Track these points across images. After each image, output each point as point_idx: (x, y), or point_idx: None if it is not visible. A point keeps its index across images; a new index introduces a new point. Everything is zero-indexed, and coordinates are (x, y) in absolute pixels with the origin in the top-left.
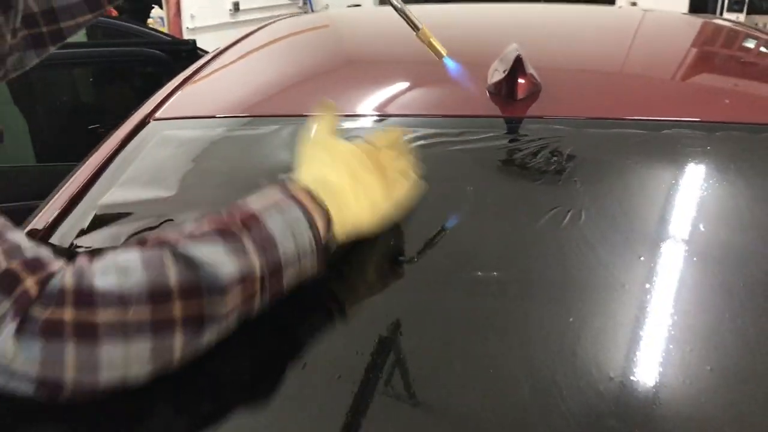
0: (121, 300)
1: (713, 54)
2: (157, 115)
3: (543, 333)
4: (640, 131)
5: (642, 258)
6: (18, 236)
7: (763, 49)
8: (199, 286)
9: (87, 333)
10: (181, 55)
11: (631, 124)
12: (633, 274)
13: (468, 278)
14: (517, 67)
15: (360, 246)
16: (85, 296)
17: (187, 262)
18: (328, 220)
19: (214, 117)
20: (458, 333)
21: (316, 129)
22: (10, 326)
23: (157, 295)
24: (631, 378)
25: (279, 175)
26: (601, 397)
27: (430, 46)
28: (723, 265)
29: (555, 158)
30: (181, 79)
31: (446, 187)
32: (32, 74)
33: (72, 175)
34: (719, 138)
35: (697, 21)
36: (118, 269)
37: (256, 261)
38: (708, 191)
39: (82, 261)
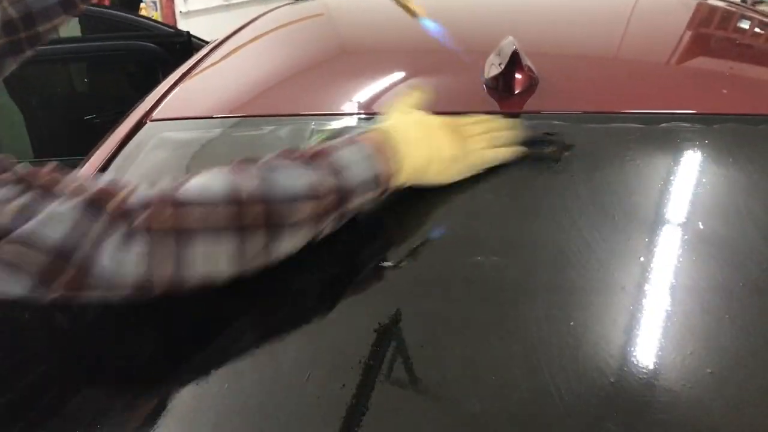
0: (207, 201)
1: (724, 39)
2: (154, 115)
3: (544, 333)
4: (644, 125)
5: (643, 258)
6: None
7: None
8: (274, 195)
9: (183, 230)
10: (175, 47)
11: (634, 118)
12: (634, 274)
13: (465, 279)
14: (515, 61)
15: (356, 248)
16: (175, 199)
17: (264, 175)
18: (392, 162)
19: (213, 117)
20: (453, 335)
21: (401, 102)
22: (115, 236)
23: (238, 199)
24: (629, 380)
25: None
26: (601, 400)
27: (405, 7)
28: (729, 265)
29: (554, 155)
30: (177, 76)
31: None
32: (27, 67)
33: None
34: (729, 130)
35: (704, 4)
36: (201, 181)
37: (329, 181)
38: (715, 188)
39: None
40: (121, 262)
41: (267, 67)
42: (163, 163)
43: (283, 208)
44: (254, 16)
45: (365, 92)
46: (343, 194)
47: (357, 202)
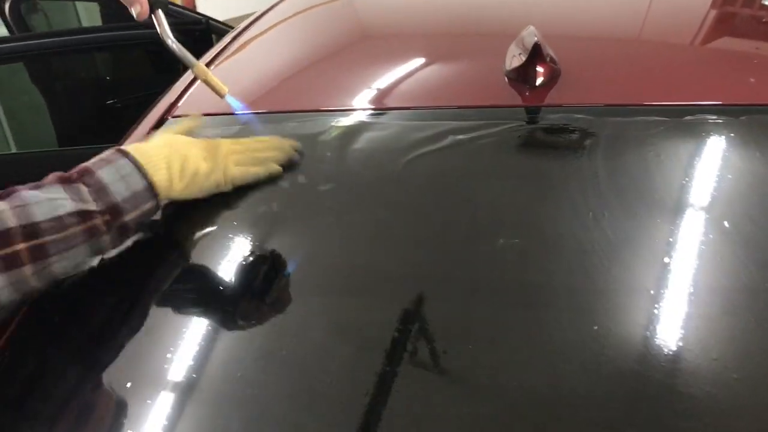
0: None
1: (756, 26)
2: (176, 111)
3: (568, 336)
4: (672, 118)
5: (668, 258)
6: None
7: None
8: (36, 223)
9: None
10: (194, 34)
11: (661, 111)
12: (658, 274)
13: (487, 280)
14: (536, 53)
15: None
16: None
17: (21, 209)
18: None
19: (236, 114)
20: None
21: (168, 128)
22: None
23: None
24: (651, 385)
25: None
26: (622, 405)
27: (207, 83)
28: (757, 265)
29: (577, 150)
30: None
31: (461, 187)
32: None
33: None
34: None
35: None
36: None
37: (92, 202)
38: (743, 184)
39: None
40: None
41: (291, 59)
42: None
43: (47, 234)
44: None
45: (396, 87)
46: (112, 211)
47: (134, 215)
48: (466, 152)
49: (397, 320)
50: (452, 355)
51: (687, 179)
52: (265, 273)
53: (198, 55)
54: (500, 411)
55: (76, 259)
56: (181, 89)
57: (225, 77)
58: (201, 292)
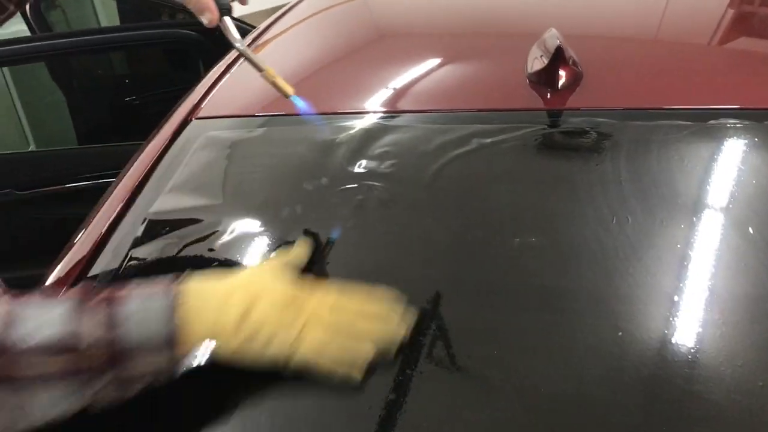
0: None
1: None
2: (199, 113)
3: (591, 341)
4: (695, 122)
5: (692, 265)
6: None
7: None
8: (7, 346)
9: None
10: (214, 33)
11: (684, 115)
12: (681, 281)
13: (510, 284)
14: (558, 56)
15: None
16: None
17: (6, 321)
18: (184, 325)
19: (260, 116)
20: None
21: (271, 260)
22: None
23: None
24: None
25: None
26: (646, 412)
27: (275, 86)
28: None
29: (600, 154)
30: (221, 69)
31: (483, 190)
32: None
33: (118, 183)
34: None
35: None
36: None
37: (91, 334)
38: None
39: None
40: None
41: (311, 61)
42: (210, 164)
43: (20, 361)
44: None
45: (418, 89)
46: (114, 352)
47: (141, 365)
48: (489, 155)
49: (421, 324)
50: (476, 360)
51: (711, 184)
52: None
53: (218, 55)
54: (522, 416)
55: (56, 401)
56: (204, 90)
57: (247, 79)
58: None
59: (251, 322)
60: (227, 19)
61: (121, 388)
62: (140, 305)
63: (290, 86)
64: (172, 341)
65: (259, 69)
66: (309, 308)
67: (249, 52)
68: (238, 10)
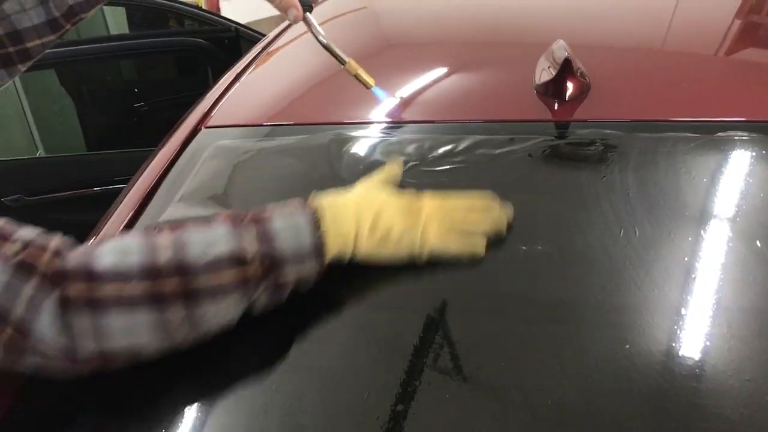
0: (120, 273)
1: None
2: (209, 122)
3: (599, 353)
4: (703, 135)
5: (700, 278)
6: (21, 229)
7: None
8: (190, 263)
9: (96, 305)
10: (223, 41)
11: (692, 127)
12: (690, 295)
13: (516, 296)
14: (566, 67)
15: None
16: (88, 270)
17: (181, 242)
18: (324, 235)
19: (270, 125)
20: (509, 358)
21: (372, 179)
22: (49, 300)
23: (152, 270)
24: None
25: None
26: (653, 426)
27: (358, 77)
28: None
29: (607, 166)
30: (231, 79)
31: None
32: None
33: (128, 191)
34: None
35: None
36: (115, 249)
37: (253, 248)
38: None
39: (87, 245)
40: (53, 329)
41: (323, 70)
42: (219, 174)
43: (200, 276)
44: None
45: (426, 100)
46: (272, 262)
47: (292, 273)
48: (496, 166)
49: (427, 335)
50: (484, 371)
51: (718, 197)
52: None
53: (229, 63)
54: (530, 428)
55: (228, 309)
56: (214, 99)
57: (257, 88)
58: None
59: (382, 227)
60: (309, 15)
61: (275, 293)
62: (287, 221)
63: (371, 78)
64: (318, 249)
65: (342, 62)
66: (425, 210)
67: (332, 45)
68: (244, 17)
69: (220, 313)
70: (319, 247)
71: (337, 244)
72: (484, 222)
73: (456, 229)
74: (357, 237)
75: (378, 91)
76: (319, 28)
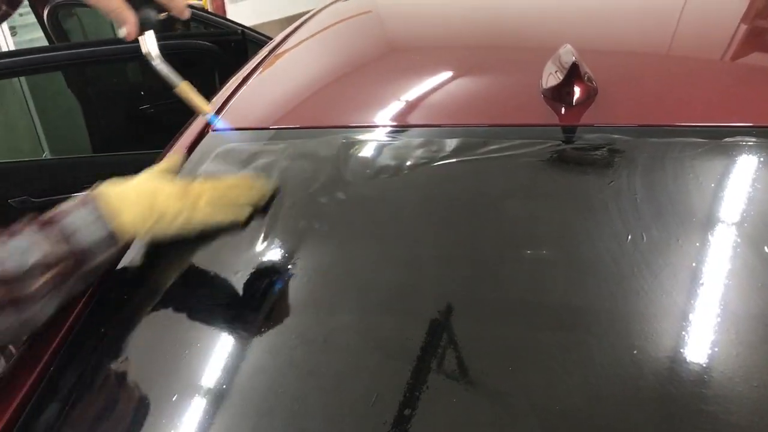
0: None
1: None
2: (216, 125)
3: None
4: (711, 140)
5: (709, 286)
6: None
7: None
8: (8, 276)
9: None
10: (230, 44)
11: (700, 132)
12: (698, 301)
13: (524, 302)
14: (574, 72)
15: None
16: None
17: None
18: (117, 219)
19: (277, 128)
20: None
21: (153, 169)
22: None
23: None
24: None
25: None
26: None
27: (190, 102)
28: None
29: (615, 171)
30: (238, 82)
31: (497, 206)
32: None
33: None
34: None
35: None
36: None
37: (59, 249)
38: None
39: None
40: None
41: (327, 74)
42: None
43: (20, 285)
44: (308, 7)
45: (432, 103)
46: (77, 258)
47: (95, 261)
48: (503, 171)
49: (437, 341)
50: (490, 376)
51: (726, 203)
52: (298, 288)
53: (235, 66)
54: None
55: (49, 306)
56: (221, 102)
57: (264, 91)
58: (233, 307)
59: (157, 210)
60: (148, 34)
61: (85, 281)
62: (82, 217)
63: (206, 103)
64: (113, 236)
65: (174, 84)
66: (196, 191)
67: (165, 67)
68: (249, 20)
69: (44, 310)
70: (113, 234)
71: (126, 228)
72: (246, 196)
73: (222, 203)
74: (136, 221)
75: (212, 119)
76: (155, 49)
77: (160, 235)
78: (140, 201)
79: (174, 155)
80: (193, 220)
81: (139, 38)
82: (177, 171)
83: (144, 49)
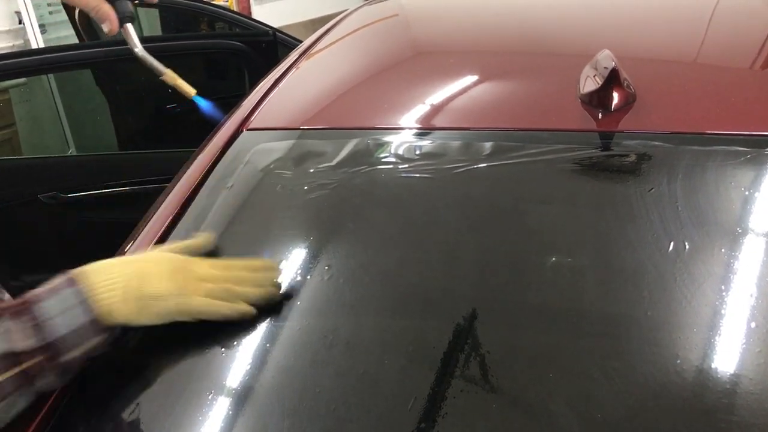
0: None
1: None
2: (250, 124)
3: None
4: (753, 149)
5: (752, 295)
6: None
7: None
8: None
9: None
10: (261, 45)
11: (742, 140)
12: (741, 311)
13: (562, 309)
14: (613, 78)
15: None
16: None
17: None
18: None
19: (311, 129)
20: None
21: (164, 247)
22: None
23: None
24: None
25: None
26: None
27: (177, 86)
28: None
29: (655, 178)
30: (272, 81)
31: (535, 211)
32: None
33: (169, 192)
34: None
35: None
36: None
37: (27, 342)
38: None
39: None
40: None
41: (357, 76)
42: (260, 177)
43: None
44: (332, 10)
45: (471, 107)
46: (50, 352)
47: (78, 352)
48: (539, 175)
49: (471, 348)
50: (532, 386)
51: None
52: (326, 289)
53: (266, 67)
54: None
55: (14, 404)
56: (255, 102)
57: (298, 92)
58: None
59: (147, 293)
60: (129, 26)
61: (64, 374)
62: (55, 302)
63: (191, 88)
64: (97, 324)
65: (160, 73)
66: (192, 276)
67: (148, 57)
68: (274, 21)
69: (9, 410)
70: (96, 320)
71: (114, 315)
72: (254, 290)
73: (225, 294)
74: (122, 303)
75: (199, 99)
76: (137, 40)
77: (149, 320)
78: (130, 278)
79: (202, 236)
80: (190, 309)
81: (121, 30)
82: (199, 252)
83: (128, 40)
